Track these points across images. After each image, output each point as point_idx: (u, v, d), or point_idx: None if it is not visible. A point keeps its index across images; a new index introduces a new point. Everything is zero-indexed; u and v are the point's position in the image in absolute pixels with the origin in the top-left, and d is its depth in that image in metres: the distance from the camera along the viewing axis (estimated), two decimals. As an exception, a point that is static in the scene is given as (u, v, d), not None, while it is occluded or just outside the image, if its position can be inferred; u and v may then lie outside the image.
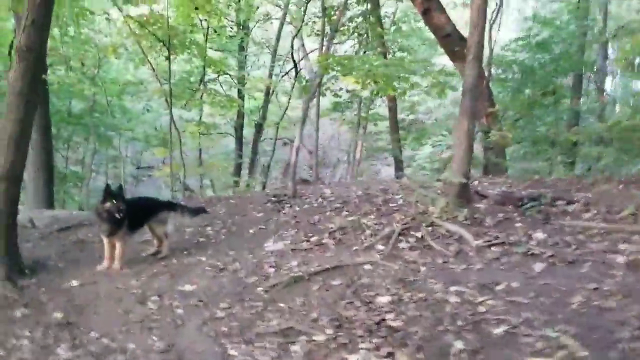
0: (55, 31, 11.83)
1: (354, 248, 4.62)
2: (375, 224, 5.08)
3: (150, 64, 9.60)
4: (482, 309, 3.28)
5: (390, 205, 5.70)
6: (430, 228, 4.82)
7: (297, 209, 6.05)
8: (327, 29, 8.92)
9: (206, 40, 10.97)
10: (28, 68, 4.37)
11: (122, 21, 9.12)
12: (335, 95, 10.30)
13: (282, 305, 3.74)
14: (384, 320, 3.26)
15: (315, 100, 7.90)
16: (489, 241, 4.47)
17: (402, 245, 4.53)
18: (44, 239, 5.63)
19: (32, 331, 3.62)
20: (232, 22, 14.05)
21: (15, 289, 4.24)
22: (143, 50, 9.31)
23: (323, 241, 4.87)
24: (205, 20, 11.26)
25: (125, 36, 9.00)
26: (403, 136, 11.73)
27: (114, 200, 4.51)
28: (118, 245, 4.75)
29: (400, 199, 5.93)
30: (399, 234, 4.68)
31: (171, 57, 9.44)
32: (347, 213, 5.65)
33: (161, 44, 9.19)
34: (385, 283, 3.79)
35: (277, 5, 14.41)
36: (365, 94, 10.77)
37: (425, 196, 5.57)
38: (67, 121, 13.77)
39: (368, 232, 4.86)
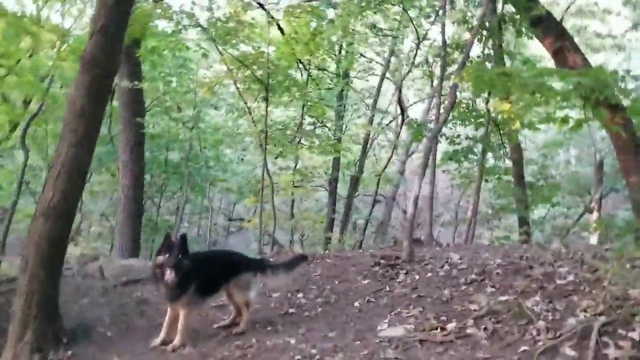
0: (159, 84, 12.13)
1: (523, 348, 2.92)
2: (547, 311, 3.34)
3: (247, 105, 8.98)
4: None
5: (559, 282, 3.91)
6: (649, 325, 2.97)
7: (417, 277, 4.49)
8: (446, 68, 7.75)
9: (307, 84, 10.23)
10: (93, 84, 3.58)
11: (220, 60, 8.66)
12: (452, 142, 8.82)
13: None
14: None
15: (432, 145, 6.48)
16: None
17: (611, 352, 2.75)
18: (106, 294, 4.66)
19: None
20: (332, 73, 13.58)
21: (42, 365, 3.19)
22: (240, 92, 8.75)
23: (467, 331, 3.24)
24: (304, 66, 10.67)
25: (223, 76, 8.52)
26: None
27: (168, 254, 3.39)
28: (182, 315, 3.57)
29: (569, 273, 4.10)
30: (599, 333, 2.90)
31: (269, 100, 8.73)
32: (493, 289, 3.95)
33: (259, 84, 8.51)
34: None
35: (378, 54, 13.61)
36: (493, 139, 9.13)
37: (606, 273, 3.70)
38: (163, 170, 13.69)
39: (541, 323, 3.14)
